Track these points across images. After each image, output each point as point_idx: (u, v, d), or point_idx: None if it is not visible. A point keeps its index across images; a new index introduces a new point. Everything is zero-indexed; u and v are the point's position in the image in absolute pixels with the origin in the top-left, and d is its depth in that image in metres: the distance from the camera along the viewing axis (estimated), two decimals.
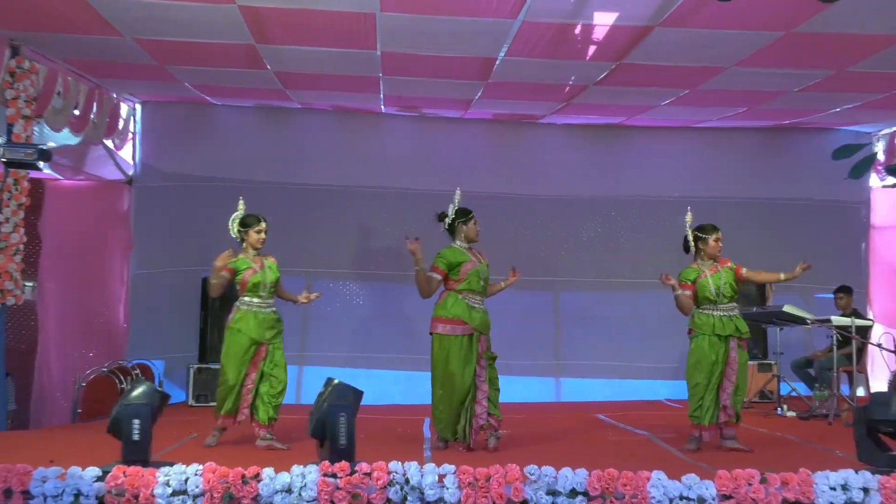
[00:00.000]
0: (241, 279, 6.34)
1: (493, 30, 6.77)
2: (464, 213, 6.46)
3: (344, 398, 4.92)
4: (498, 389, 6.37)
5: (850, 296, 8.88)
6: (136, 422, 4.81)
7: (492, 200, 9.52)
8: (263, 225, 6.42)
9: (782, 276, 6.50)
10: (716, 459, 5.64)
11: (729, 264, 6.46)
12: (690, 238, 6.53)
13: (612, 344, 10.02)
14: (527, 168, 10.14)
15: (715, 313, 6.35)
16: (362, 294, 10.03)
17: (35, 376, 8.58)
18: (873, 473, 4.76)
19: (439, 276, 6.39)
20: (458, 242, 6.47)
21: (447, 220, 6.50)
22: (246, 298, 6.36)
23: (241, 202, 6.58)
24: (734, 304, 6.42)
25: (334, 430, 4.78)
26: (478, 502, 4.52)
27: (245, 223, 6.42)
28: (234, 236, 6.49)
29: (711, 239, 6.43)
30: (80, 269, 9.02)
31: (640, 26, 6.67)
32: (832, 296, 9.00)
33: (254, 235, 6.38)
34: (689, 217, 6.60)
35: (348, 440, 4.78)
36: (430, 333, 6.41)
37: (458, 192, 6.57)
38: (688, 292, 6.40)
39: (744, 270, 6.47)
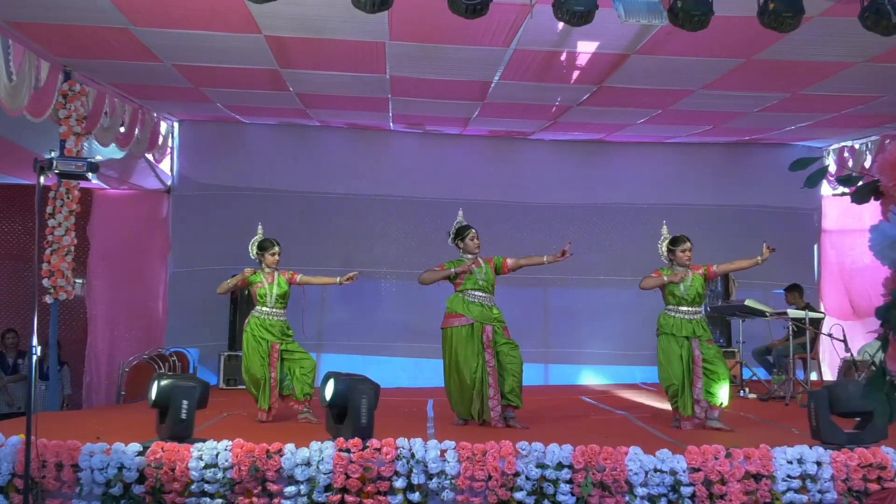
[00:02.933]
0: (252, 291, 6.53)
1: (488, 57, 6.75)
2: (460, 232, 6.43)
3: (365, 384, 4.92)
4: (514, 376, 6.18)
5: (797, 292, 8.85)
6: (185, 402, 4.81)
7: (488, 207, 9.52)
8: (277, 248, 6.52)
9: (755, 260, 6.30)
10: (686, 436, 5.62)
11: (700, 270, 6.33)
12: (664, 249, 6.48)
13: (594, 334, 10.00)
14: (519, 179, 10.11)
15: (676, 315, 6.26)
16: (373, 290, 10.00)
17: (86, 363, 8.58)
18: (825, 449, 4.75)
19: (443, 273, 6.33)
20: (462, 255, 6.43)
21: (450, 240, 6.50)
22: (257, 307, 6.50)
23: (259, 228, 6.70)
24: (699, 309, 6.31)
25: (357, 410, 4.75)
26: (475, 474, 4.51)
27: (262, 247, 6.52)
28: (252, 257, 6.58)
29: (678, 250, 6.33)
30: (124, 267, 9.01)
31: (618, 54, 6.65)
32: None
33: (269, 257, 6.48)
34: (664, 230, 6.56)
35: (368, 419, 4.78)
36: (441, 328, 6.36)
37: (460, 212, 6.59)
38: (653, 275, 6.33)
39: (714, 267, 6.35)
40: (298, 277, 6.55)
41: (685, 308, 6.26)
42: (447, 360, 6.28)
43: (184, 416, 4.77)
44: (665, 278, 6.26)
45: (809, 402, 5.08)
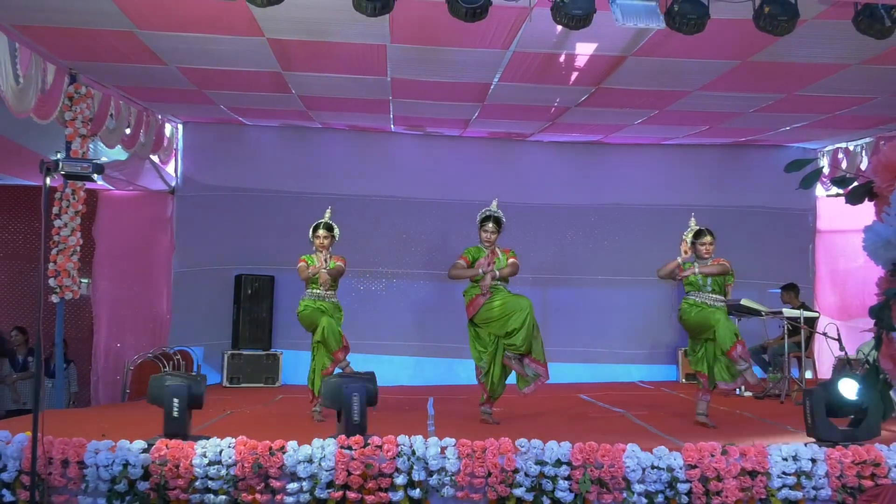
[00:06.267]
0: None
1: (488, 59, 6.75)
2: (481, 222, 6.52)
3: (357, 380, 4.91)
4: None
5: (793, 292, 8.85)
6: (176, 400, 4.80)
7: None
8: (321, 231, 6.63)
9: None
10: (683, 433, 5.62)
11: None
12: (688, 241, 6.47)
13: (592, 333, 9.98)
14: (518, 180, 10.09)
15: (697, 299, 6.29)
16: (374, 289, 10.01)
17: (92, 362, 8.59)
18: (820, 446, 4.75)
19: (463, 263, 6.43)
20: (480, 242, 6.51)
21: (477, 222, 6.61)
22: (308, 290, 6.59)
23: (327, 211, 6.81)
24: (719, 297, 6.30)
25: (349, 407, 4.77)
26: (475, 471, 4.51)
27: (312, 229, 6.67)
28: (309, 240, 6.69)
29: (699, 243, 6.37)
30: (129, 267, 9.02)
31: (616, 55, 6.65)
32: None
33: (315, 240, 6.63)
34: (692, 222, 6.56)
35: (361, 417, 4.77)
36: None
37: (494, 201, 6.63)
38: (678, 261, 6.38)
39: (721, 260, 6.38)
40: (342, 264, 6.68)
41: (705, 293, 6.27)
42: (471, 335, 6.39)
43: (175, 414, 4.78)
44: (679, 259, 6.34)
45: (805, 401, 5.07)
